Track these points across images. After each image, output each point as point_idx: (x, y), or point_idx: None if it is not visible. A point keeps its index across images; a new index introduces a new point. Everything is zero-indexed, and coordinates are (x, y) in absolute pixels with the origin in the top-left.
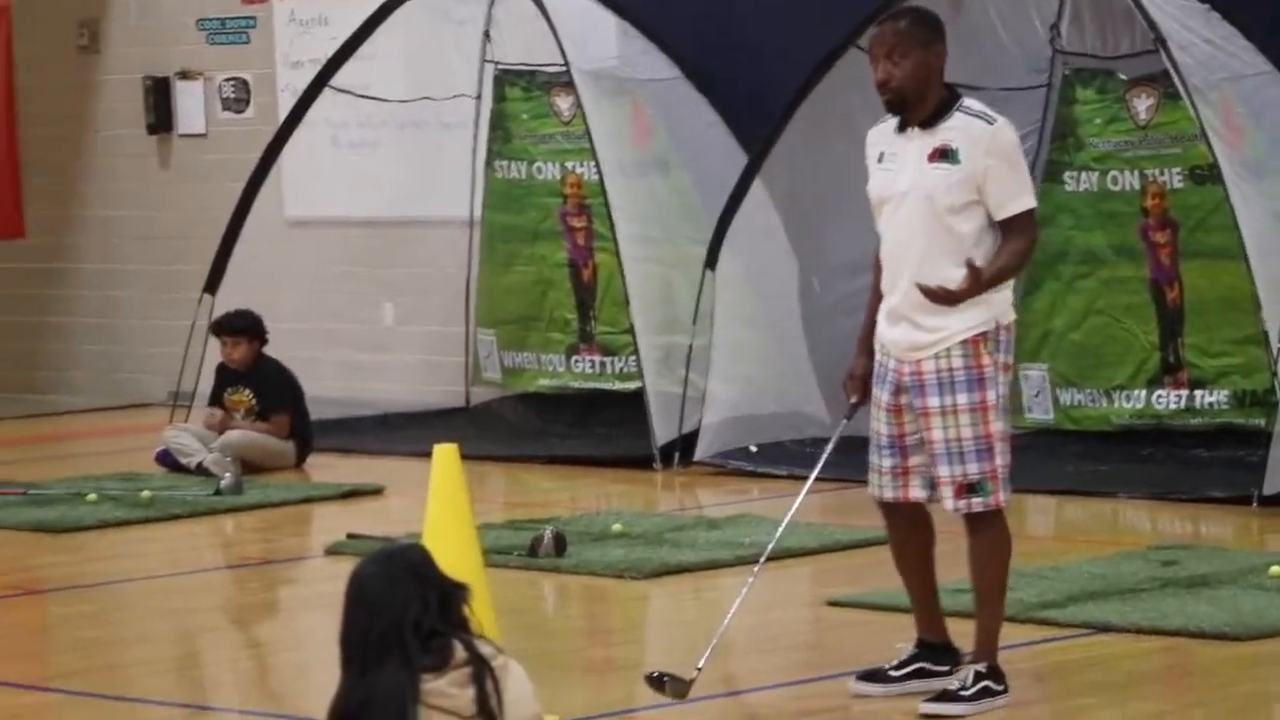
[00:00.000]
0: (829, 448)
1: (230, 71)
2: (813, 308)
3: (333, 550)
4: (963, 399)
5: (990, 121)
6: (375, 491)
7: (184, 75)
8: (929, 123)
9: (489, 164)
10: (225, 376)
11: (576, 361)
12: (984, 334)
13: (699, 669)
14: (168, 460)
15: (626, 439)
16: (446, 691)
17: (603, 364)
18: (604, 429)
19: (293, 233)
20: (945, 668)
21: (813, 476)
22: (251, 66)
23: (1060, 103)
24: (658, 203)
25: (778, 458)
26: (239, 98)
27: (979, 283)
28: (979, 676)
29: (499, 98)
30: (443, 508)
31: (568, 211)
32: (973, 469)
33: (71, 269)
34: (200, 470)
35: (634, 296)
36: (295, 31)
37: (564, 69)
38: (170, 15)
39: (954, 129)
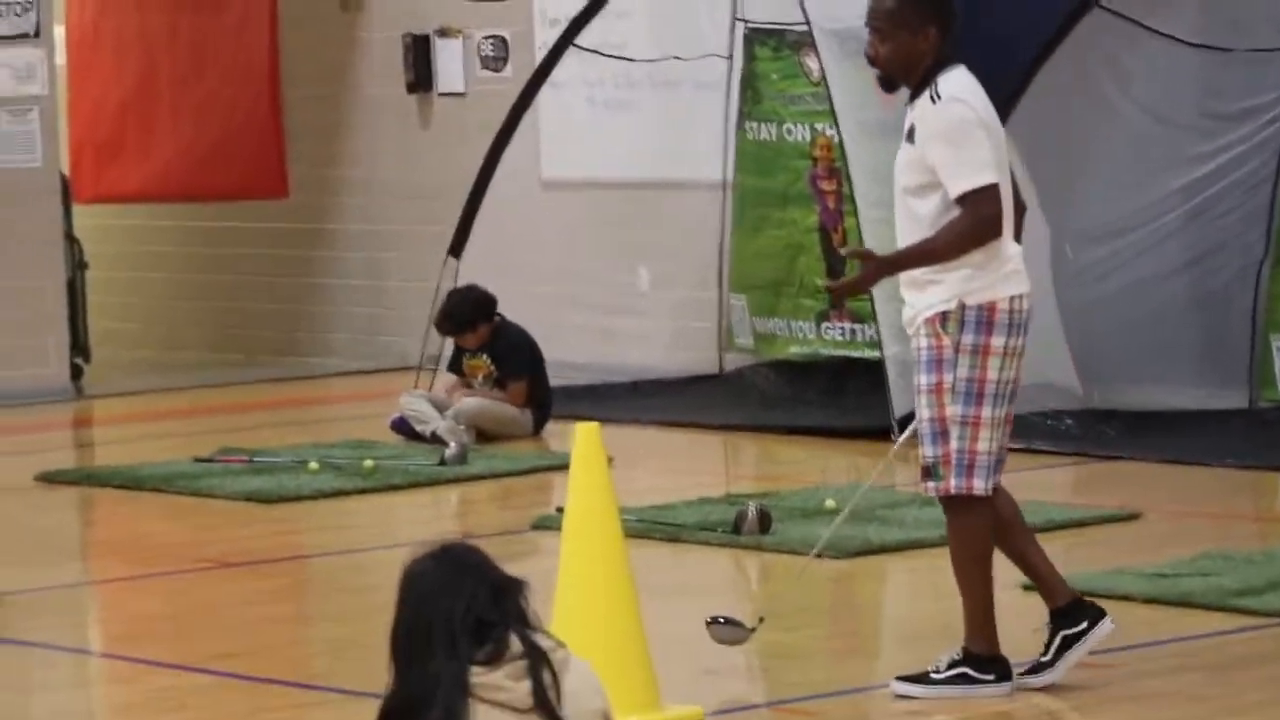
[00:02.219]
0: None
1: (489, 29)
2: (1062, 273)
3: (539, 525)
4: (923, 379)
5: (935, 99)
6: None
7: (443, 33)
8: (911, 101)
9: (740, 125)
10: None
11: (827, 329)
12: (944, 314)
13: (761, 620)
14: (404, 428)
15: (876, 409)
16: (501, 684)
17: (853, 331)
18: (854, 398)
19: (548, 194)
20: (990, 676)
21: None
22: (510, 24)
23: None
24: None
25: (1018, 430)
26: (498, 56)
27: (875, 271)
28: (953, 663)
29: (749, 57)
30: (582, 489)
31: (817, 174)
32: (928, 452)
33: (334, 229)
34: (434, 438)
35: None
36: None
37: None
38: None
39: (918, 107)
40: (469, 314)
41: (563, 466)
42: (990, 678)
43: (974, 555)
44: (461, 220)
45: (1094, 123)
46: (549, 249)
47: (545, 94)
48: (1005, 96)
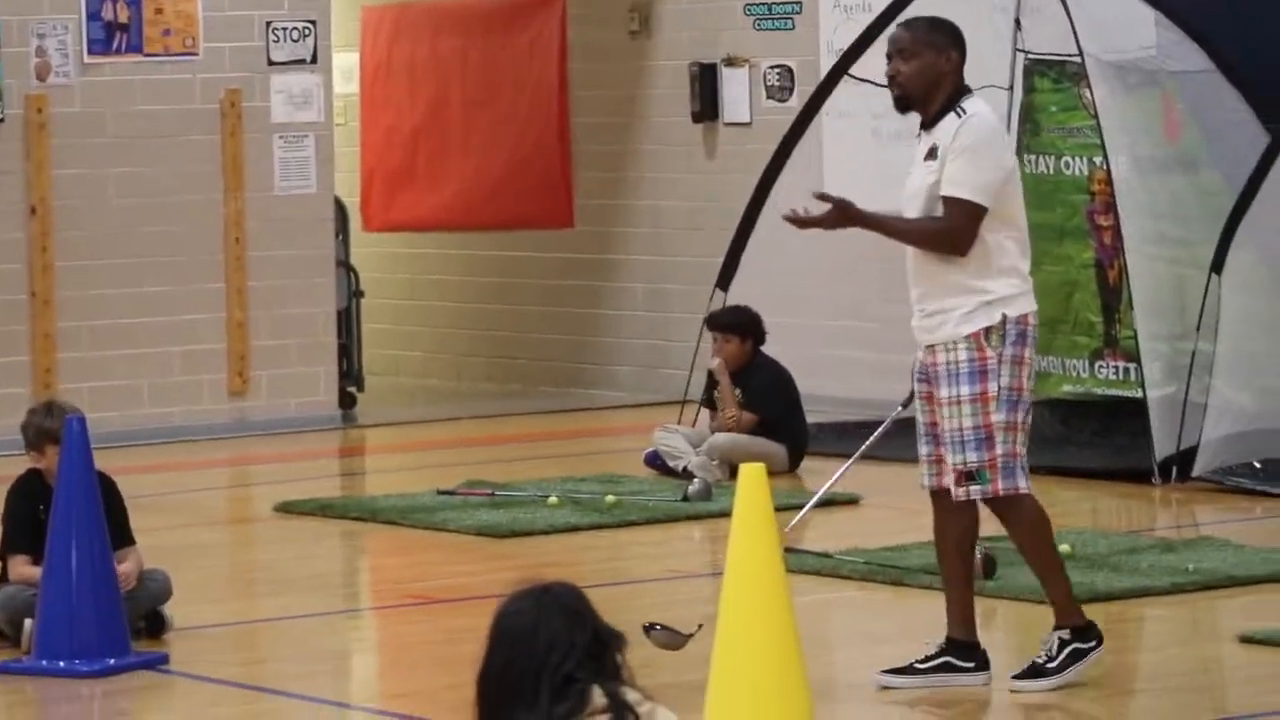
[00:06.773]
0: (880, 431)
1: (775, 59)
2: None
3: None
4: (965, 390)
5: (960, 114)
6: (850, 502)
7: (730, 62)
8: (930, 124)
9: (1018, 158)
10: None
11: (1100, 367)
12: (988, 328)
13: (700, 626)
14: (656, 462)
15: (1143, 450)
16: None
17: (1127, 370)
18: (1125, 439)
19: None
20: (971, 664)
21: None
22: (797, 54)
23: None
24: (1179, 201)
25: None
26: (783, 85)
27: (840, 213)
28: (1062, 644)
29: (1029, 89)
30: (746, 532)
31: (1095, 209)
32: (972, 458)
33: (618, 260)
34: (686, 474)
35: (1139, 299)
36: (839, 18)
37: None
38: None
39: (942, 128)
40: (736, 319)
41: (805, 506)
42: (1093, 644)
43: (1043, 541)
44: (729, 252)
45: None
46: (823, 282)
47: (829, 125)
48: None
